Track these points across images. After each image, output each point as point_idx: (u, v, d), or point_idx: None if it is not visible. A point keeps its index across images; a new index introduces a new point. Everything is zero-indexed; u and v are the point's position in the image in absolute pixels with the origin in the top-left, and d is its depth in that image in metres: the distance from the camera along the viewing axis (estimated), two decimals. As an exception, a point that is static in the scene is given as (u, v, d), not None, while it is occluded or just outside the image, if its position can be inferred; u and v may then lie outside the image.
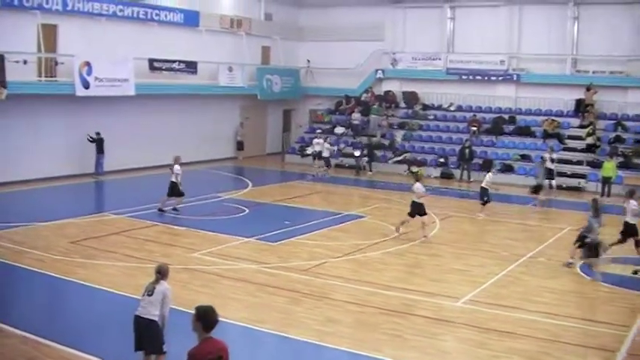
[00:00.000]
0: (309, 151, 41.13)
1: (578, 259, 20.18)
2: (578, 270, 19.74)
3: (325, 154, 38.30)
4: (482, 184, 28.32)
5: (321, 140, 40.55)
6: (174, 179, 26.01)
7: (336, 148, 40.31)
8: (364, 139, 42.27)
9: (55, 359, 12.47)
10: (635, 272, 19.62)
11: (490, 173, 28.78)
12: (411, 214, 23.19)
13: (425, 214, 23.22)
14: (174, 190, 26.14)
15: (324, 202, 30.74)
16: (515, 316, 15.57)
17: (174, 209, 26.27)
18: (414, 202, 23.28)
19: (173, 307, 11.39)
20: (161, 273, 11.17)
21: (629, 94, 38.53)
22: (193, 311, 8.34)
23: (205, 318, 8.32)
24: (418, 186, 23.44)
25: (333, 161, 40.41)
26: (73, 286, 16.94)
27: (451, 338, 14.34)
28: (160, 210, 26.18)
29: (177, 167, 26.08)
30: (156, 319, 11.03)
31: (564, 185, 34.77)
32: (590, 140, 36.72)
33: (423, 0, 44.53)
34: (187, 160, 33.97)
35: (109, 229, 23.18)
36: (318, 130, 43.24)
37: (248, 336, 14.06)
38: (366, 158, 40.02)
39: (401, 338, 14.06)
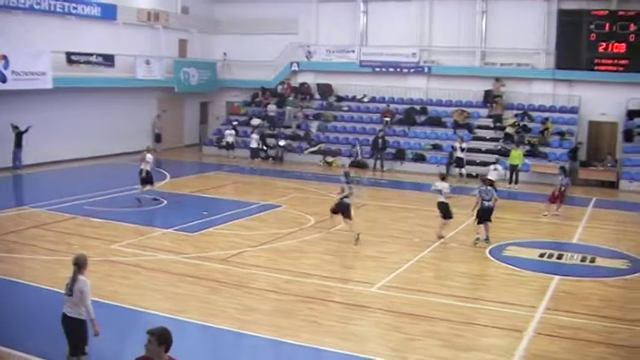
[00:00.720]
0: (224, 142, 41.44)
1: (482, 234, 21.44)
2: (488, 254, 20.47)
3: (253, 144, 38.32)
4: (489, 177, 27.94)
5: (233, 131, 40.90)
6: (148, 168, 26.56)
7: (258, 137, 39.96)
8: (284, 130, 42.75)
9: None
10: None
11: (498, 165, 29.32)
12: (445, 216, 22.47)
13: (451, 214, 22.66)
14: (149, 178, 26.80)
15: (241, 192, 30.83)
16: (429, 300, 15.98)
17: (155, 199, 26.97)
18: (440, 202, 22.53)
19: (94, 299, 11.41)
20: (78, 265, 10.87)
21: (535, 85, 39.86)
22: (149, 337, 8.06)
23: (168, 340, 8.20)
24: (445, 185, 22.81)
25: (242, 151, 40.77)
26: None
27: (366, 323, 14.68)
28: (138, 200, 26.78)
29: (149, 156, 26.69)
30: (82, 317, 10.86)
31: (474, 173, 35.60)
32: (510, 130, 37.69)
33: (335, -7, 45.08)
34: (105, 152, 33.91)
35: (28, 222, 22.91)
36: (235, 122, 43.48)
37: (169, 326, 13.91)
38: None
39: (318, 324, 14.33)
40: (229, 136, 41.13)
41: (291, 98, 44.66)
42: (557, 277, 18.11)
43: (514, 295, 16.72)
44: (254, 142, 38.31)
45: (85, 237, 21.18)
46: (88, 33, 37.01)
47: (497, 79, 39.62)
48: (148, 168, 26.70)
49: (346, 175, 22.78)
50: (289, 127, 43.27)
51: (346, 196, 21.87)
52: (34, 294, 15.80)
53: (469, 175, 35.26)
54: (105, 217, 24.04)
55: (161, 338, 8.04)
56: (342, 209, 21.90)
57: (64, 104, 36.11)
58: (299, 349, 13.15)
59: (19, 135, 33.12)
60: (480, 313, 15.36)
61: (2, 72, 31.54)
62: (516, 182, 33.77)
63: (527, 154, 35.60)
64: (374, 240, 22.10)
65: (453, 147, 36.39)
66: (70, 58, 35.62)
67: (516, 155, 34.02)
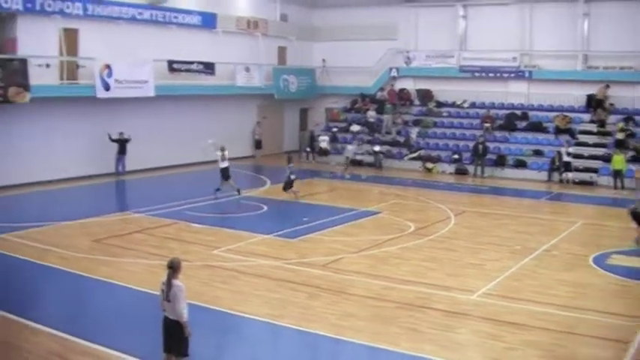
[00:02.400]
0: (318, 148, 41.97)
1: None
2: (591, 262, 20.03)
3: (350, 155, 38.34)
4: None
5: (326, 137, 41.22)
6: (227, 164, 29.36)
7: (355, 146, 39.98)
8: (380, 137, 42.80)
9: (80, 354, 12.78)
10: None
11: None
12: None
13: None
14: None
15: (341, 198, 30.85)
16: (530, 309, 15.73)
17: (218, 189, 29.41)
18: None
19: (194, 303, 11.55)
20: (173, 267, 10.98)
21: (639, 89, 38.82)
22: None
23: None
24: None
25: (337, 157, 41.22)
26: (96, 284, 17.30)
27: (466, 331, 14.53)
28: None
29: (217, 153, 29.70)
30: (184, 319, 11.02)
31: (577, 180, 35.14)
32: (620, 136, 36.56)
33: (435, -1, 44.95)
34: (206, 158, 34.34)
35: (130, 227, 23.63)
36: (334, 129, 43.87)
37: (268, 331, 14.39)
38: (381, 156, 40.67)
39: (417, 331, 14.28)
40: (323, 142, 41.49)
41: (388, 105, 44.51)
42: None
43: (618, 305, 16.31)
44: (350, 152, 38.28)
45: (186, 242, 21.70)
46: (188, 41, 37.94)
47: (607, 86, 38.78)
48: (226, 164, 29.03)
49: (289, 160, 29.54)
50: (389, 133, 43.27)
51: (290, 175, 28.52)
52: (136, 297, 16.26)
53: (573, 182, 34.86)
54: (205, 222, 24.56)
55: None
56: (287, 185, 28.78)
57: (165, 112, 37.19)
58: (398, 356, 13.09)
59: (120, 142, 34.15)
60: (581, 322, 14.96)
61: (106, 80, 32.58)
62: (622, 187, 33.11)
63: (632, 160, 34.75)
64: (475, 247, 21.92)
65: (558, 152, 35.82)
66: (172, 67, 36.49)
67: (619, 160, 33.45)
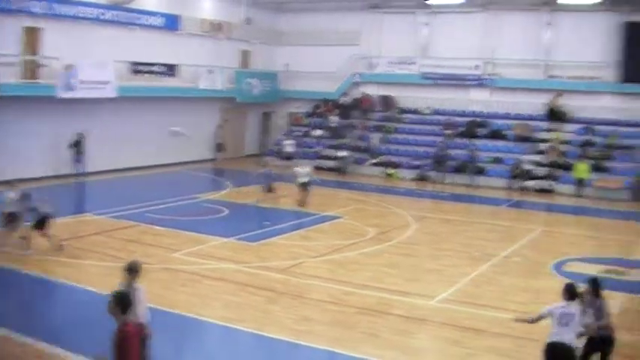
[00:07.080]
0: (284, 152, 41.91)
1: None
2: (553, 270, 20.13)
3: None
4: None
5: (292, 141, 41.19)
6: None
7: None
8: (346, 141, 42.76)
9: (34, 355, 12.61)
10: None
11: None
12: None
13: None
14: None
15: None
16: (490, 315, 15.78)
17: None
18: None
19: (154, 306, 11.40)
20: (134, 271, 11.00)
21: (600, 98, 39.09)
22: (110, 298, 9.24)
23: (123, 302, 9.11)
24: None
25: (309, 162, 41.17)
26: (54, 285, 17.12)
27: (427, 336, 14.58)
28: None
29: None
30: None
31: (536, 187, 35.35)
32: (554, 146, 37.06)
33: (398, 6, 44.89)
34: (167, 161, 34.23)
35: (90, 229, 23.30)
36: (297, 133, 43.82)
37: (227, 335, 14.31)
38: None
39: (377, 337, 14.25)
40: (288, 146, 41.41)
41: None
42: (621, 294, 17.61)
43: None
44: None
45: (146, 245, 21.44)
46: (151, 43, 37.65)
47: (559, 94, 39.11)
48: None
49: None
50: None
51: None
52: (96, 299, 15.74)
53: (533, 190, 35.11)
54: (166, 225, 24.29)
55: (116, 299, 9.16)
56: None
57: (126, 113, 36.74)
58: (357, 361, 13.07)
59: (77, 143, 33.65)
60: (542, 328, 14.90)
61: (68, 81, 32.06)
62: (581, 195, 33.51)
63: (591, 169, 35.04)
64: (434, 253, 21.98)
65: (519, 159, 36.14)
66: (134, 68, 36.16)
67: (582, 168, 33.99)
